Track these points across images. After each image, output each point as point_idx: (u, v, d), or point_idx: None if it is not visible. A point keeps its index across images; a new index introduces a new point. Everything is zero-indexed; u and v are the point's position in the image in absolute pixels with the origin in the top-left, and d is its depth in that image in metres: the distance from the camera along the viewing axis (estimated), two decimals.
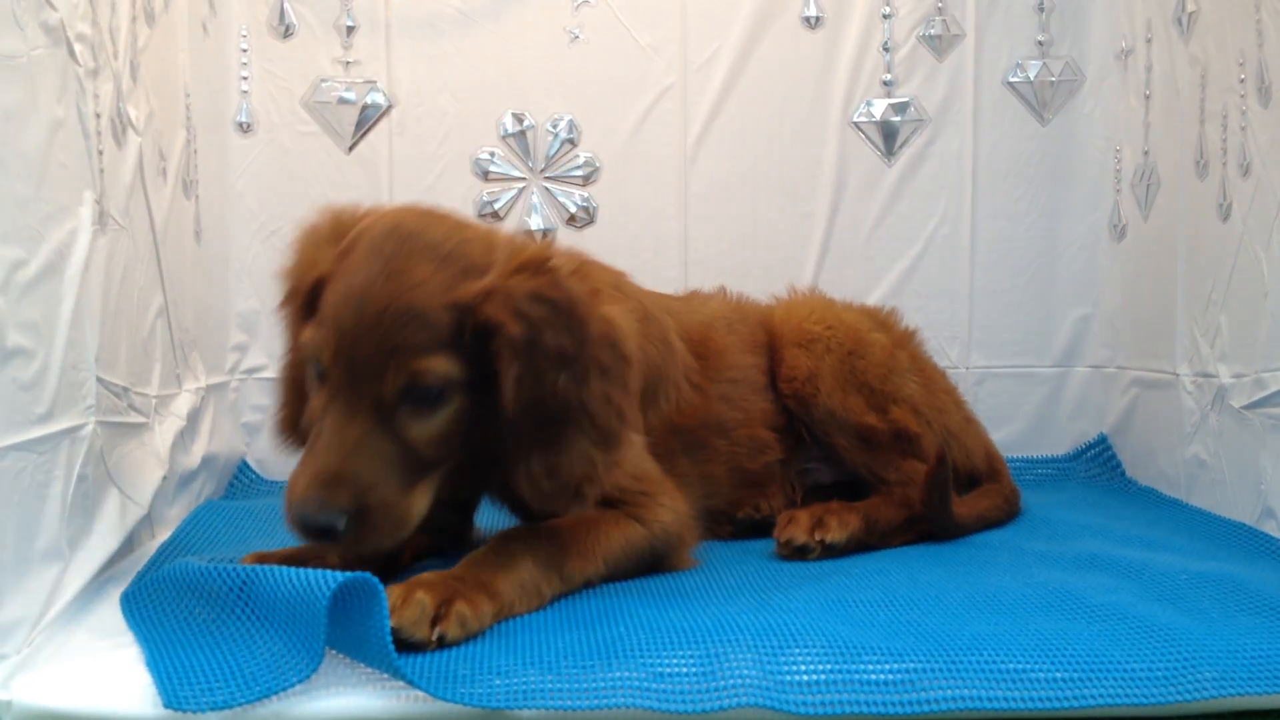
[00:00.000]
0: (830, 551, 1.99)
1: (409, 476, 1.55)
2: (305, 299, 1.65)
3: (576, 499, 1.63)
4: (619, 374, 1.65)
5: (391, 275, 1.55)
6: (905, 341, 2.38)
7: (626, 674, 1.37)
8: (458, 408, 1.58)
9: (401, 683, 1.35)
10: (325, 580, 1.36)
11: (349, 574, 1.37)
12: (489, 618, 1.50)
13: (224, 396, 2.71)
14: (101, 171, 1.89)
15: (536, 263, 1.61)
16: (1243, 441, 2.20)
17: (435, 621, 1.43)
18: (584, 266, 1.72)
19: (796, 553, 1.98)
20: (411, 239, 1.59)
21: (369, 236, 1.62)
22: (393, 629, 1.36)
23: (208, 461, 2.46)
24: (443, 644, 1.43)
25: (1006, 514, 2.30)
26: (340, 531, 1.48)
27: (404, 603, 1.41)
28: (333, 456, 1.50)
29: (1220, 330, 2.29)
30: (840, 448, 2.20)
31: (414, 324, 1.53)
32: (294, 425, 1.79)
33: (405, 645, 1.39)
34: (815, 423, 2.21)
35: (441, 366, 1.54)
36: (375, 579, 1.37)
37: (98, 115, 1.88)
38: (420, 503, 1.58)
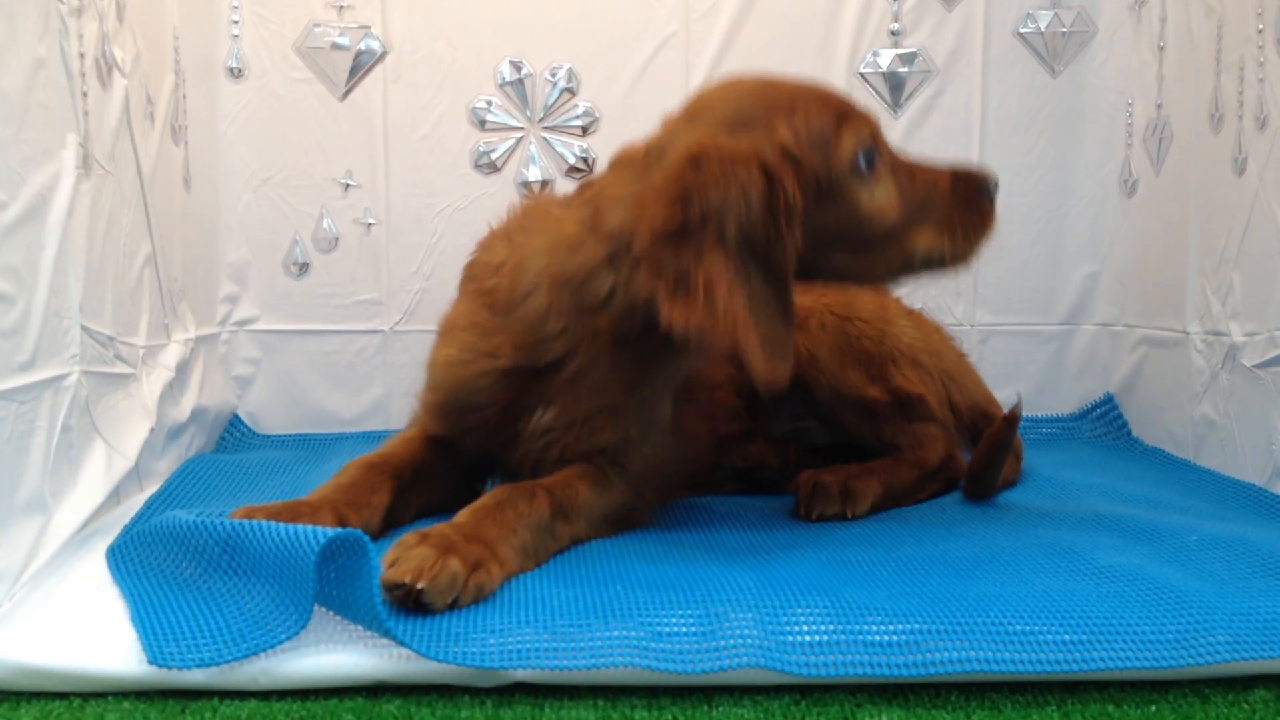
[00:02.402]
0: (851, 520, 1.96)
1: None
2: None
3: None
4: None
5: None
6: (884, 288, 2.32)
7: (624, 633, 1.33)
8: None
9: (388, 645, 1.32)
10: (313, 536, 1.33)
11: (336, 530, 1.33)
12: (497, 586, 1.47)
13: (214, 349, 2.67)
14: (86, 114, 1.85)
15: None
16: (1254, 401, 2.16)
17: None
18: None
19: (820, 519, 1.95)
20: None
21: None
22: (420, 589, 1.34)
23: (197, 414, 2.42)
24: (451, 609, 1.39)
25: (1017, 475, 2.26)
26: None
27: (439, 568, 1.37)
28: None
29: (1233, 288, 2.24)
30: (846, 423, 2.17)
31: None
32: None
33: (420, 606, 1.36)
34: (819, 401, 2.16)
35: None
36: (364, 536, 1.33)
37: (81, 56, 1.83)
38: None
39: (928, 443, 2.15)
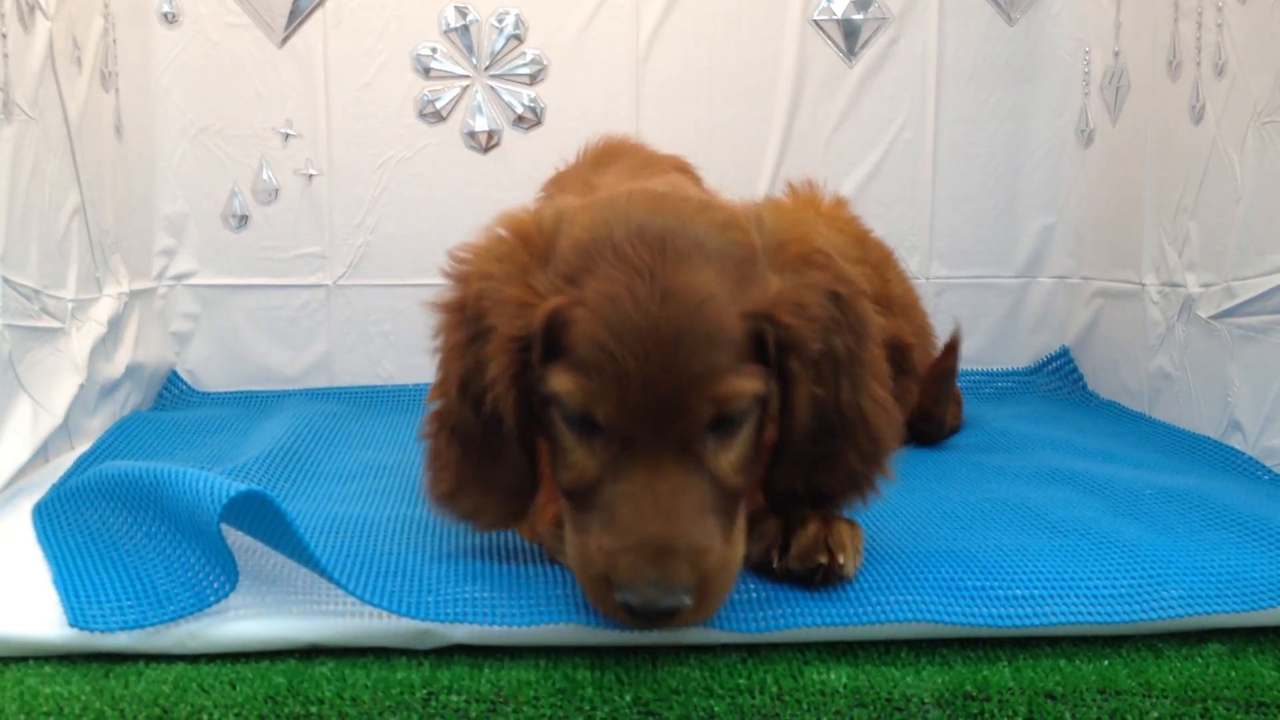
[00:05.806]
0: None
1: (723, 518, 1.28)
2: (541, 341, 1.28)
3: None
4: (883, 370, 1.41)
5: (669, 295, 1.23)
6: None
7: (568, 591, 1.30)
8: (755, 420, 1.32)
9: (323, 607, 1.28)
10: (217, 491, 1.27)
11: (243, 489, 1.27)
12: None
13: (151, 303, 2.59)
14: (6, 57, 1.78)
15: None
16: (1209, 353, 2.14)
17: None
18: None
19: None
20: (668, 240, 1.26)
21: (609, 248, 1.27)
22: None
23: (133, 371, 2.35)
24: None
25: (960, 421, 2.31)
26: (687, 609, 1.22)
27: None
28: (655, 523, 1.22)
29: (1190, 238, 2.22)
30: None
31: (716, 346, 1.24)
32: (458, 490, 1.42)
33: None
34: None
35: (750, 385, 1.26)
36: (266, 494, 1.27)
37: None
38: (741, 547, 1.30)
39: (904, 399, 2.11)
